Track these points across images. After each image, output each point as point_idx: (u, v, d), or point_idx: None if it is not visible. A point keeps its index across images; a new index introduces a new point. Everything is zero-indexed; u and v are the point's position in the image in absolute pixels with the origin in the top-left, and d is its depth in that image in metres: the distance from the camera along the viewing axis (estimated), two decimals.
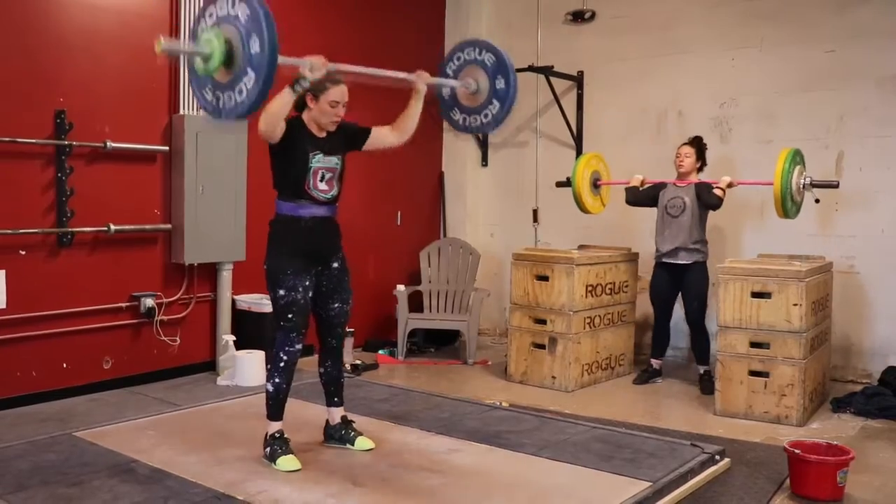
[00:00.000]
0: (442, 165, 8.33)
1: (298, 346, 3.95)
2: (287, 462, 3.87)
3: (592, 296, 6.16)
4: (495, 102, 4.29)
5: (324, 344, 4.20)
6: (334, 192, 4.01)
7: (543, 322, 6.12)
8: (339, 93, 3.90)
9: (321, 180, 3.95)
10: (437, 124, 7.99)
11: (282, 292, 3.91)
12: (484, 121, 4.34)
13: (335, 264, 4.09)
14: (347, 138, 4.09)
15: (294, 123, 3.91)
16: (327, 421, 4.27)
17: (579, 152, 7.52)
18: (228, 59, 3.26)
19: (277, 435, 3.96)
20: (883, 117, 6.26)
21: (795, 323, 5.17)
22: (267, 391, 3.98)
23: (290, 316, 3.91)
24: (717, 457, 4.23)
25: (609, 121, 7.52)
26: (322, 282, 4.05)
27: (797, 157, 5.48)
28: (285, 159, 3.90)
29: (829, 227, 6.46)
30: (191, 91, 5.86)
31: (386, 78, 4.04)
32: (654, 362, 6.31)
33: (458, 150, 8.27)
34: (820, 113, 6.49)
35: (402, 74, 4.11)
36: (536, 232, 7.98)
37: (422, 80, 4.17)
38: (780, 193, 5.34)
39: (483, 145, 8.23)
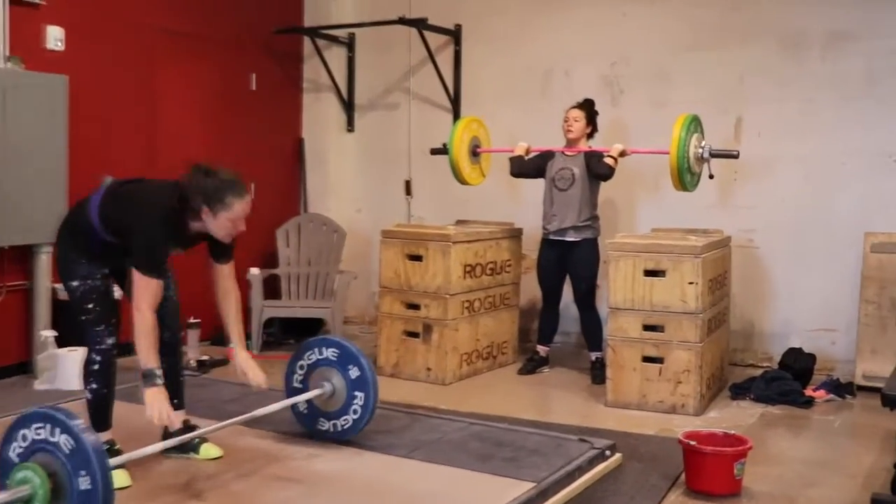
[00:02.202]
0: (301, 130, 8.21)
1: (111, 342, 3.90)
2: (115, 478, 3.72)
3: (471, 277, 6.21)
4: (358, 393, 4.30)
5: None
6: None
7: (417, 307, 6.14)
8: (242, 208, 3.74)
9: None
10: (294, 84, 7.89)
11: (75, 283, 3.87)
12: (355, 417, 4.31)
13: None
14: (212, 243, 3.94)
15: (166, 224, 3.71)
16: (165, 427, 4.14)
17: (457, 116, 7.55)
18: (55, 496, 3.01)
19: (105, 446, 3.81)
20: (783, 79, 6.51)
21: (691, 303, 5.34)
22: (86, 399, 3.91)
23: (89, 306, 3.87)
24: (608, 452, 4.33)
25: (490, 81, 7.57)
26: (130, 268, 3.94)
27: (694, 124, 5.61)
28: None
29: (727, 198, 6.70)
30: None
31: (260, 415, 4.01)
32: (541, 349, 6.42)
33: (319, 114, 8.16)
34: (718, 74, 6.70)
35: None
36: (409, 206, 7.98)
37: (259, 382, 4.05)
38: (677, 164, 5.45)
39: (348, 108, 8.15)
